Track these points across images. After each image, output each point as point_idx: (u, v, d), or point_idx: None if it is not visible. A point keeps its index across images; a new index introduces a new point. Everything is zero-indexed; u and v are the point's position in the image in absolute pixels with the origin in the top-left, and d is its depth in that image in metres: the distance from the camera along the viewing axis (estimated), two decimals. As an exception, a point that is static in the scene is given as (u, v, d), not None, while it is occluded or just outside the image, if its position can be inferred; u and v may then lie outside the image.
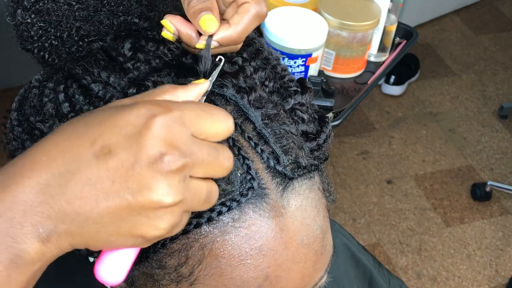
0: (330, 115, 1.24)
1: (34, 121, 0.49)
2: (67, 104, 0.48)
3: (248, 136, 0.47)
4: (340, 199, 2.25)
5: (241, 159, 0.45)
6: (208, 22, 0.45)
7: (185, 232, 0.45)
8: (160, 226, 0.37)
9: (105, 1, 0.49)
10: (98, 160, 0.36)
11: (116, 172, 0.36)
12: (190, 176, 0.38)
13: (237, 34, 0.46)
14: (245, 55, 0.50)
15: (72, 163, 0.36)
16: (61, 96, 0.48)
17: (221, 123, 0.39)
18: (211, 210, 0.44)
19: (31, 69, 0.55)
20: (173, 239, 0.46)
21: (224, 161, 0.39)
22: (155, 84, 0.47)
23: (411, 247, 2.12)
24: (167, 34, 0.48)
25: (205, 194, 0.39)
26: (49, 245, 0.37)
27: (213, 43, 0.46)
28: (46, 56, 0.51)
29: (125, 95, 0.47)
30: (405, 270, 2.06)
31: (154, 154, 0.36)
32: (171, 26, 0.47)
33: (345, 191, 2.28)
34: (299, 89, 0.52)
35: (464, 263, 2.09)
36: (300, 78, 0.54)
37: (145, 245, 0.39)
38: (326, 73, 1.34)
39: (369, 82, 1.35)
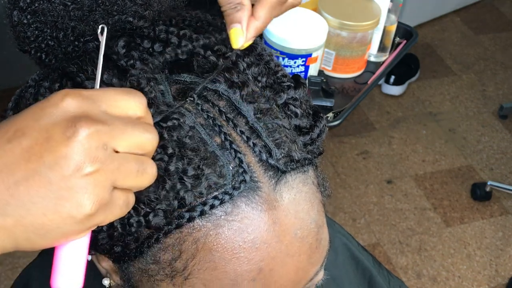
0: (330, 115, 1.24)
1: None
2: None
3: (241, 130, 0.47)
4: (340, 199, 2.25)
5: (233, 152, 0.46)
6: (235, 36, 0.49)
7: (178, 226, 0.45)
8: (84, 199, 0.36)
9: (99, 1, 0.49)
10: (11, 143, 0.36)
11: (30, 150, 0.36)
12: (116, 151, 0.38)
13: (264, 24, 0.50)
14: (238, 51, 0.50)
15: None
16: None
17: (134, 97, 0.40)
18: (204, 203, 0.45)
19: (31, 69, 0.56)
20: (167, 233, 0.46)
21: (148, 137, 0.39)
22: (149, 81, 0.47)
23: (411, 247, 2.12)
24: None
25: (136, 165, 0.38)
26: None
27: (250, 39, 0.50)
28: (43, 56, 0.51)
29: None
30: (405, 270, 2.06)
31: (66, 124, 0.36)
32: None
33: (345, 191, 2.28)
34: (292, 84, 0.52)
35: (464, 263, 2.09)
36: (294, 74, 0.54)
37: (81, 229, 0.38)
38: (326, 73, 1.34)
39: (369, 82, 1.35)
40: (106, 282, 0.57)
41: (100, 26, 0.45)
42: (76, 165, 0.36)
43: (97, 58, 0.44)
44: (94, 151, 0.36)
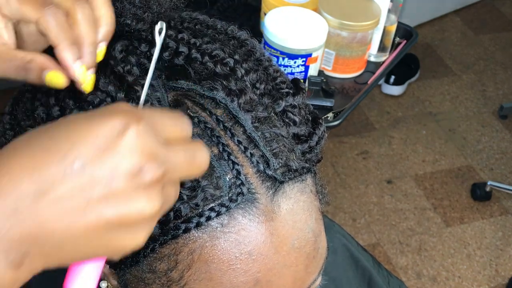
0: (330, 115, 1.24)
1: (25, 126, 0.49)
2: (57, 107, 0.48)
3: (238, 140, 0.46)
4: (340, 199, 2.25)
5: (231, 164, 0.45)
6: (54, 80, 0.43)
7: (174, 237, 0.45)
8: (139, 239, 0.36)
9: None
10: (70, 177, 0.33)
11: (91, 188, 0.33)
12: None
13: (113, 25, 0.45)
14: (236, 56, 0.50)
15: (41, 182, 0.33)
16: (52, 100, 0.48)
17: (184, 124, 0.38)
18: (200, 215, 0.44)
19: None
20: (162, 244, 0.46)
21: (201, 163, 0.38)
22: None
23: (411, 247, 2.12)
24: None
25: (173, 198, 0.38)
26: (22, 270, 0.34)
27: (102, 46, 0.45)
28: None
29: (113, 99, 0.46)
30: (405, 270, 2.06)
31: (131, 167, 0.34)
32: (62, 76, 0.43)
33: (345, 191, 2.28)
34: (291, 91, 0.51)
35: (464, 263, 2.09)
36: (294, 79, 0.53)
37: (119, 256, 0.37)
38: (326, 73, 1.33)
39: (369, 82, 1.35)
40: (103, 285, 0.57)
41: (158, 25, 0.41)
42: (140, 211, 0.34)
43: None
44: (157, 196, 0.35)
